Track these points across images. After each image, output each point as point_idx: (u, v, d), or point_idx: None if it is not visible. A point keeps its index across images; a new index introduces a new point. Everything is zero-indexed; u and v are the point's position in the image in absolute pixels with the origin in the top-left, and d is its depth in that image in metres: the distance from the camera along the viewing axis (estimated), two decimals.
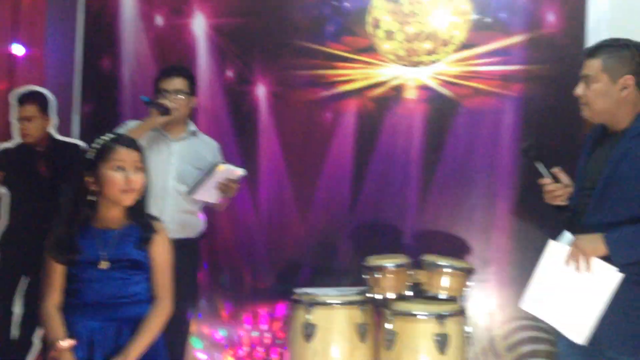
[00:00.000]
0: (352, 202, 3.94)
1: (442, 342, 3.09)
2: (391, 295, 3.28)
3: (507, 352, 3.73)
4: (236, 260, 4.07)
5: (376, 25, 3.93)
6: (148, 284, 2.27)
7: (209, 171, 3.10)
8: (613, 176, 2.21)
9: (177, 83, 3.23)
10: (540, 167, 2.41)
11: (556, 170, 2.42)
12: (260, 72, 4.08)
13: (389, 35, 3.91)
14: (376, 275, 3.30)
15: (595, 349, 2.23)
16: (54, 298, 2.22)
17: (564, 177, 2.41)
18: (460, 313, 3.22)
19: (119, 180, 2.19)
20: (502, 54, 3.78)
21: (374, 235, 3.91)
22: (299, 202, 4.00)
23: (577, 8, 3.68)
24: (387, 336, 3.16)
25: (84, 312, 2.20)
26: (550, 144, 3.48)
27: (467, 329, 3.23)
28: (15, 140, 3.77)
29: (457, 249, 3.74)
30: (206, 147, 3.33)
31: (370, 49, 3.94)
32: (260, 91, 4.08)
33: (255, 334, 4.05)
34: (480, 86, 3.82)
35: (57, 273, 2.22)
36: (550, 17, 3.74)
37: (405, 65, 3.90)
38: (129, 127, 3.16)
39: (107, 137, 2.26)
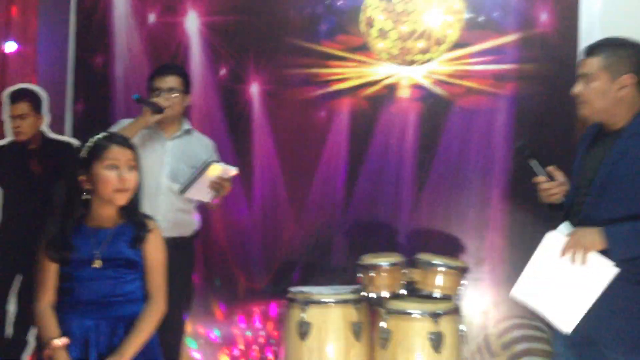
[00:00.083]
0: (346, 200, 3.94)
1: (436, 341, 3.09)
2: (385, 293, 3.28)
3: (502, 351, 3.74)
4: (230, 259, 4.06)
5: (370, 24, 3.93)
6: (142, 283, 2.27)
7: (201, 170, 3.07)
8: (610, 175, 2.21)
9: (171, 81, 3.21)
10: (535, 166, 2.41)
11: (551, 168, 2.42)
12: (254, 70, 4.07)
13: (383, 34, 3.91)
14: (371, 274, 3.30)
15: (592, 349, 2.24)
16: (47, 297, 2.21)
17: (559, 175, 2.41)
18: (455, 311, 3.22)
19: (113, 179, 2.19)
20: (495, 53, 3.78)
21: (368, 234, 3.90)
22: (293, 200, 3.99)
23: (570, 7, 3.68)
24: (381, 335, 3.16)
25: (77, 310, 2.20)
26: (543, 142, 3.50)
27: (462, 327, 3.23)
28: (8, 138, 3.76)
29: (451, 247, 3.74)
30: (201, 145, 3.31)
31: (363, 48, 3.93)
32: (254, 90, 4.07)
33: (249, 333, 4.04)
34: (474, 85, 3.82)
35: (51, 272, 2.21)
36: (543, 17, 3.75)
37: (398, 64, 3.90)
38: (121, 125, 3.15)
39: (101, 135, 2.25)
